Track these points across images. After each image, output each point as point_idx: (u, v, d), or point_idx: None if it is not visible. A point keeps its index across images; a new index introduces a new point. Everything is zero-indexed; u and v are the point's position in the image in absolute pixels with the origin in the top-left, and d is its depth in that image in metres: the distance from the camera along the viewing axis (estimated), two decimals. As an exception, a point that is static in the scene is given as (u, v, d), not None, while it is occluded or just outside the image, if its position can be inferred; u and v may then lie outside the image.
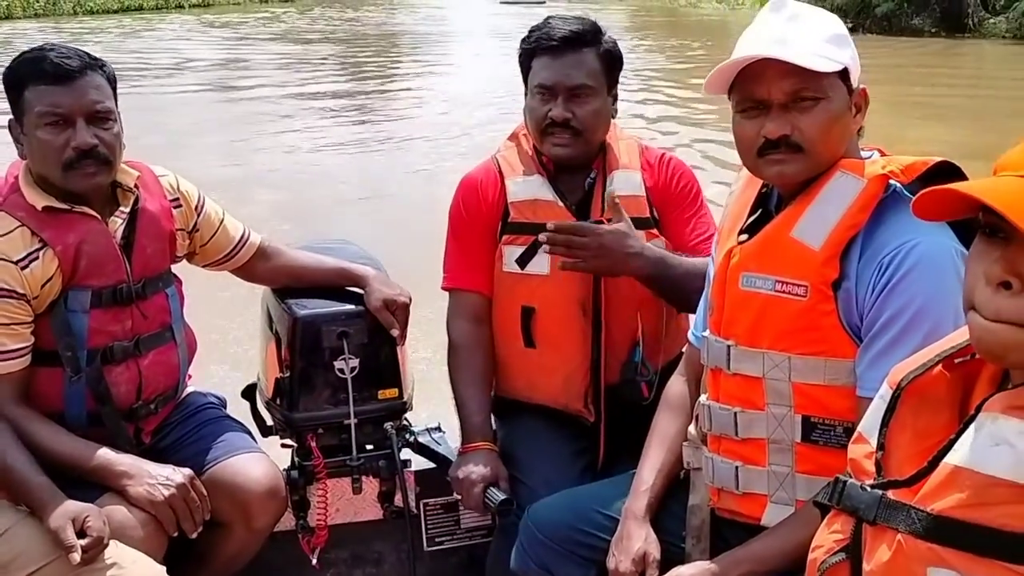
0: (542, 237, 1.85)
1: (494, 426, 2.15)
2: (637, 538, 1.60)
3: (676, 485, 1.68)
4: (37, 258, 1.75)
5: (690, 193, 2.03)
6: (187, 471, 1.78)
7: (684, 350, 1.80)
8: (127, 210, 1.87)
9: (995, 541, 0.89)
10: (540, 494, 1.86)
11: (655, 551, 1.59)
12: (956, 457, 0.95)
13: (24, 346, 1.76)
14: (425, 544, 2.21)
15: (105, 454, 1.75)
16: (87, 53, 1.82)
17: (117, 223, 1.85)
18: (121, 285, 1.83)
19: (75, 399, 1.82)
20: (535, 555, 1.74)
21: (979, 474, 0.92)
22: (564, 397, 2.02)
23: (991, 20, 17.79)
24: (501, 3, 41.97)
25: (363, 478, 2.04)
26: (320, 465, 2.00)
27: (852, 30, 1.49)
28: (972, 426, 0.95)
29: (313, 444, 2.01)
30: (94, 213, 1.82)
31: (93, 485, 1.73)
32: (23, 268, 1.73)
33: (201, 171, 6.31)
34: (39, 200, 1.78)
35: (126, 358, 1.86)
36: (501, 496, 1.87)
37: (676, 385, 1.77)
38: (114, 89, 1.85)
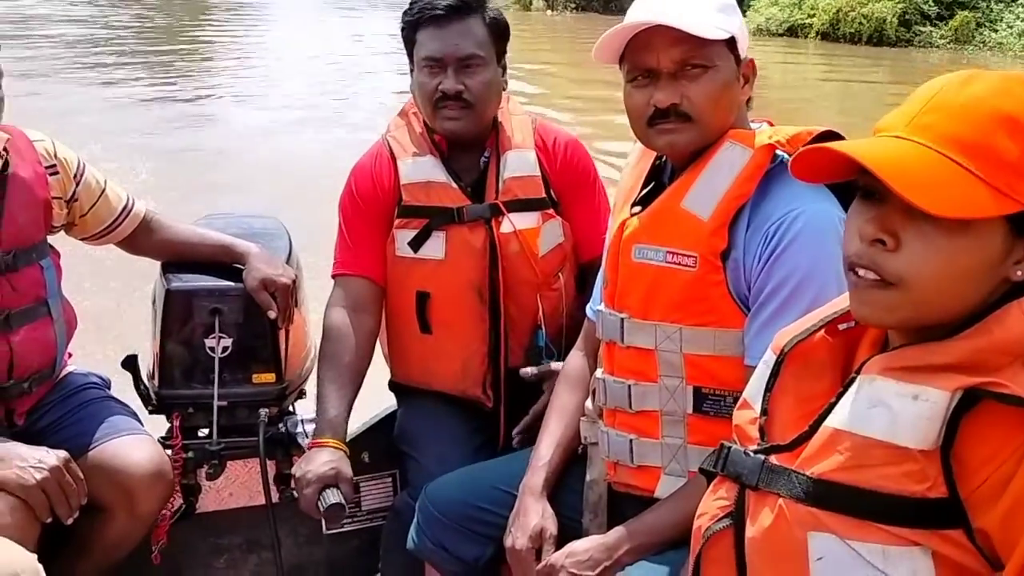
0: (515, 443, 1.85)
1: (395, 405, 2.11)
2: (534, 514, 1.59)
3: (574, 460, 1.67)
4: None
5: (588, 177, 2.01)
6: (61, 453, 1.68)
7: (583, 325, 1.79)
8: None
9: (872, 503, 0.90)
10: (434, 471, 1.82)
11: (552, 527, 1.58)
12: (835, 420, 0.96)
13: None
14: (324, 527, 2.16)
15: None
16: None
17: None
18: None
19: None
20: (431, 534, 1.71)
21: (857, 436, 0.92)
22: (462, 383, 1.97)
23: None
24: None
25: (240, 463, 1.97)
26: (177, 445, 1.93)
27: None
28: (851, 388, 0.96)
29: (176, 423, 1.94)
30: None
31: None
32: None
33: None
34: None
35: None
36: (333, 500, 1.72)
37: (575, 359, 1.76)
38: None
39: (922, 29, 18.73)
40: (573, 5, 28.70)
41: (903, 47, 18.61)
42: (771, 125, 1.50)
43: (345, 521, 2.16)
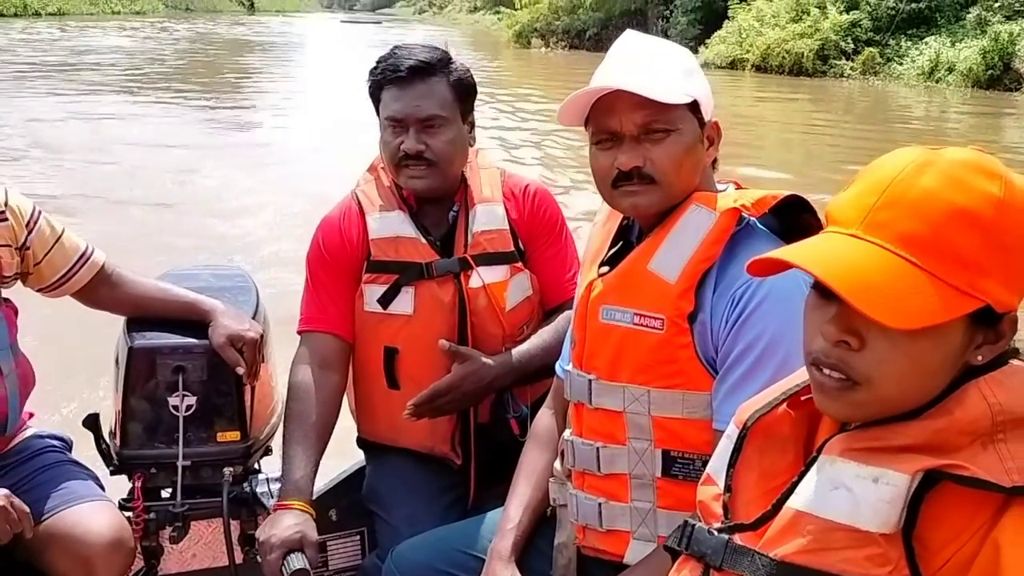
0: (406, 414, 1.84)
1: (363, 460, 2.08)
2: None
3: (543, 522, 1.65)
4: None
5: (555, 225, 2.00)
6: (2, 491, 1.64)
7: (552, 383, 1.77)
8: None
9: None
10: (403, 532, 1.79)
11: None
12: (798, 501, 0.94)
13: None
14: None
15: None
16: None
17: None
18: None
19: None
20: None
21: (819, 518, 0.91)
22: (430, 440, 1.94)
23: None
24: (342, 21, 48.60)
25: (204, 522, 1.92)
26: (139, 508, 1.88)
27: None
28: (813, 468, 0.95)
29: (138, 484, 1.89)
30: None
31: None
32: None
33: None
34: None
35: None
36: (298, 565, 1.67)
37: (544, 418, 1.74)
38: None
39: (836, 62, 23.07)
40: (564, 44, 34.00)
41: (819, 77, 22.89)
42: (738, 187, 1.50)
43: None
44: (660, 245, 1.42)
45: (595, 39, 31.37)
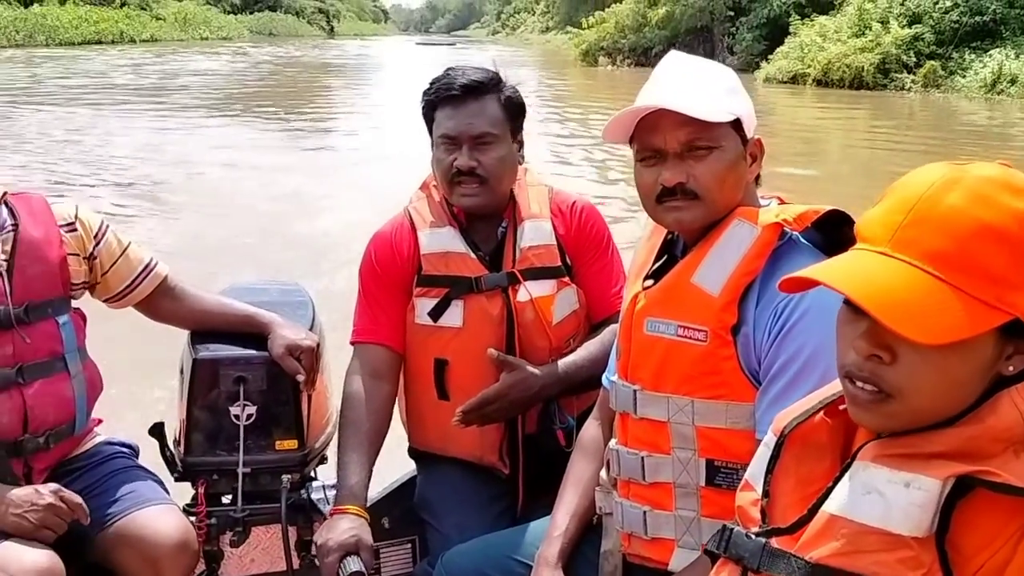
0: (455, 421, 1.88)
1: (414, 470, 2.13)
2: None
3: (590, 530, 1.68)
4: None
5: (602, 241, 2.04)
6: (52, 486, 1.75)
7: (599, 394, 1.81)
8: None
9: None
10: (453, 540, 1.83)
11: None
12: (832, 505, 0.96)
13: None
14: None
15: None
16: None
17: None
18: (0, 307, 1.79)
19: None
20: None
21: (853, 522, 0.93)
22: (479, 450, 1.99)
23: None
24: (417, 44, 50.12)
25: (262, 528, 1.99)
26: (202, 513, 1.96)
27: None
28: (848, 474, 0.97)
29: (201, 490, 1.97)
30: None
31: None
32: None
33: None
34: None
35: (8, 386, 1.81)
36: (354, 568, 1.73)
37: (591, 429, 1.77)
38: None
39: (897, 75, 23.51)
40: (630, 61, 34.86)
41: (880, 90, 23.24)
42: (781, 202, 1.52)
43: None
44: (703, 259, 1.45)
45: (661, 57, 32.40)
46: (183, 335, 2.14)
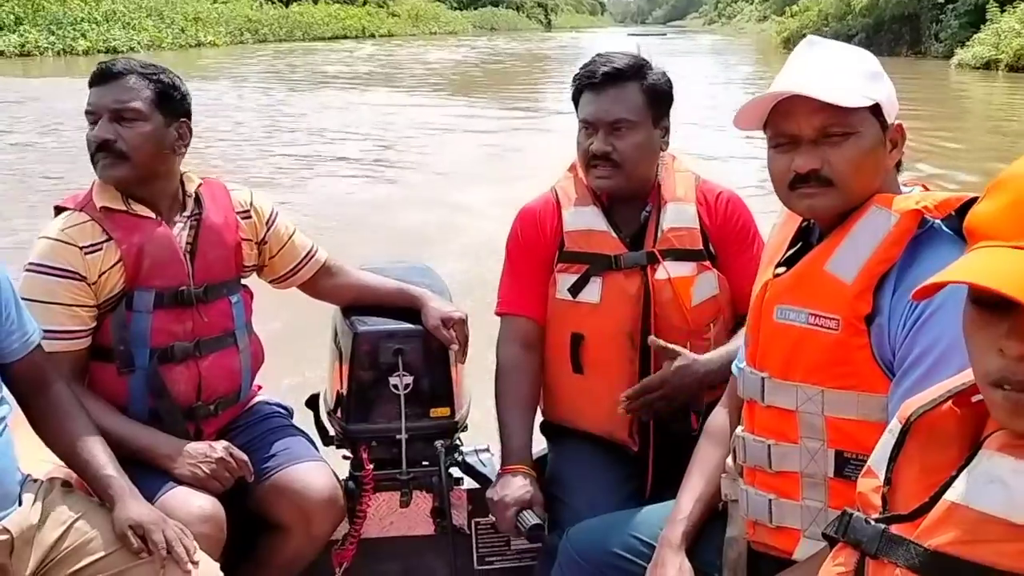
0: (620, 410, 1.94)
1: (545, 447, 2.19)
2: (671, 566, 1.61)
3: (715, 516, 1.68)
4: (100, 248, 1.90)
5: (748, 233, 2.05)
6: (223, 443, 1.92)
7: (729, 380, 1.81)
8: (187, 215, 2.01)
9: None
10: (583, 516, 1.88)
11: None
12: (954, 493, 0.95)
13: (82, 329, 1.90)
14: (475, 563, 2.26)
15: (150, 436, 1.90)
16: (140, 62, 1.99)
17: (180, 228, 1.99)
18: (183, 288, 1.96)
19: (137, 395, 1.95)
20: None
21: (973, 511, 0.91)
22: (609, 425, 2.03)
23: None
24: (629, 35, 52.54)
25: (416, 493, 2.11)
26: (368, 476, 2.08)
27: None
28: (972, 462, 0.95)
29: (365, 455, 2.10)
30: (152, 215, 1.96)
31: (160, 471, 1.86)
32: (87, 253, 1.88)
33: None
34: (100, 200, 1.93)
35: (186, 358, 1.98)
36: (533, 521, 1.88)
37: (719, 415, 1.78)
38: (168, 98, 1.96)
39: None
40: None
41: None
42: (925, 189, 1.48)
43: (495, 559, 2.26)
44: (838, 246, 1.43)
45: (865, 44, 32.72)
46: (327, 311, 2.27)
